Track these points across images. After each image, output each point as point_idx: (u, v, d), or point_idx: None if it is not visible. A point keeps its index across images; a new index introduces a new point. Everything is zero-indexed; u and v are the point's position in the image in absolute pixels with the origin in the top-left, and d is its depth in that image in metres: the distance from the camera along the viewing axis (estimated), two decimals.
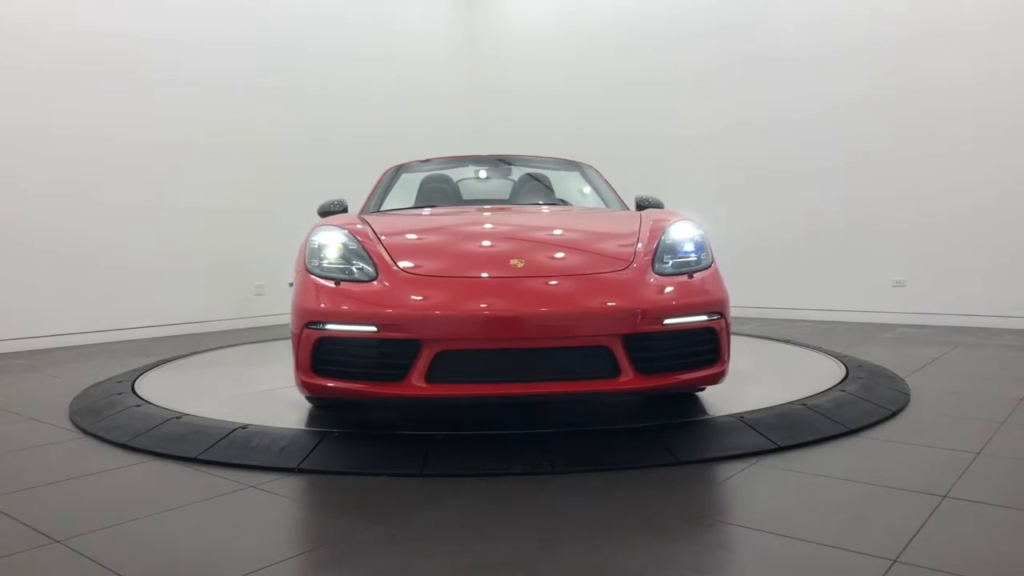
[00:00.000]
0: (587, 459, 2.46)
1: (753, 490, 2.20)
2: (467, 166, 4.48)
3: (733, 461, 2.45)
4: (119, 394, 3.45)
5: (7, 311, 5.44)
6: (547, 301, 2.57)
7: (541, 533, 1.90)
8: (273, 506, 2.15)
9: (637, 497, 2.15)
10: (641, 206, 3.96)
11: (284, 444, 2.65)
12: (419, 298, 2.58)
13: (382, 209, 4.06)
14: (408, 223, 3.41)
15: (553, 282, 2.65)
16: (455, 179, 4.34)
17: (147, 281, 6.16)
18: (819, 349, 4.54)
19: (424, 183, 4.35)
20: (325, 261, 2.84)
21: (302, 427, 2.87)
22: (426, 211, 3.83)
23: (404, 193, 4.32)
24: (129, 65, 6.07)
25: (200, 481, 2.37)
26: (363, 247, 2.84)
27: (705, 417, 2.82)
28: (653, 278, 2.71)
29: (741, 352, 4.66)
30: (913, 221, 6.25)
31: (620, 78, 7.87)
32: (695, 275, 2.79)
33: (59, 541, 1.88)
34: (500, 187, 4.33)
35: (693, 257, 2.87)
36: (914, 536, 1.82)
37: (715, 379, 2.80)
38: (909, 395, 3.40)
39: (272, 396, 3.43)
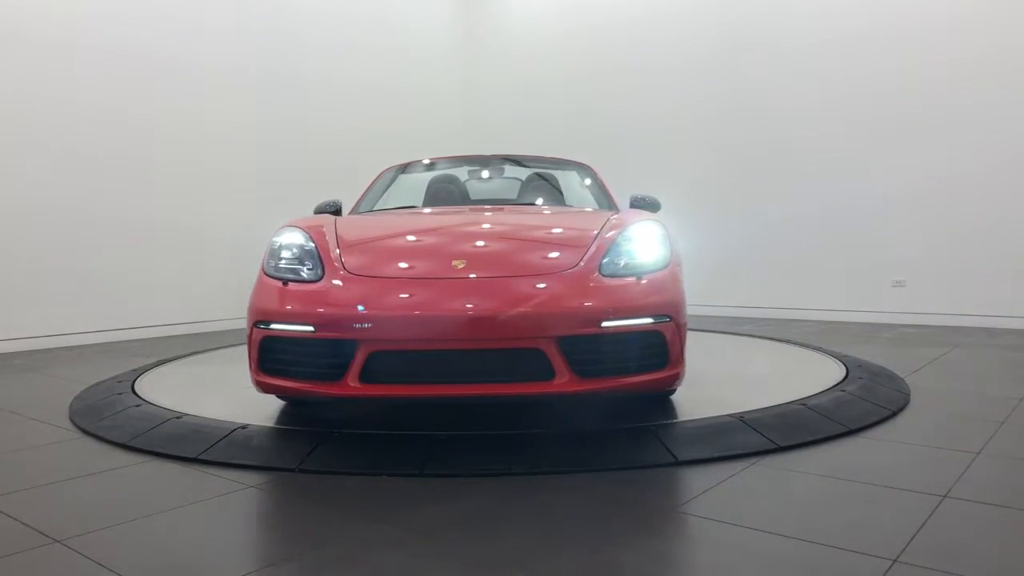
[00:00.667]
0: (587, 459, 2.46)
1: (753, 490, 2.20)
2: (462, 167, 4.46)
3: (733, 461, 2.44)
4: (119, 394, 3.45)
5: (7, 311, 5.44)
6: (478, 303, 2.53)
7: (541, 533, 1.90)
8: (273, 506, 2.15)
9: (637, 497, 2.15)
10: (635, 205, 3.94)
11: (284, 444, 2.65)
12: (356, 299, 2.61)
13: (374, 209, 4.11)
14: (373, 224, 3.45)
15: (490, 284, 2.62)
16: (451, 180, 4.36)
17: (147, 281, 6.16)
18: (819, 349, 4.54)
19: (423, 184, 4.41)
20: (281, 262, 2.90)
21: (302, 427, 2.87)
22: (400, 212, 3.88)
23: (399, 193, 4.36)
24: (127, 59, 6.06)
25: (200, 481, 2.37)
26: (317, 248, 2.89)
27: (705, 417, 2.81)
28: (596, 280, 2.65)
29: (741, 352, 4.68)
30: (913, 221, 6.25)
31: (620, 72, 7.86)
32: (645, 277, 2.72)
33: (59, 541, 1.88)
34: (494, 187, 4.33)
35: (649, 259, 2.81)
36: (914, 536, 1.82)
37: (666, 383, 2.72)
38: (909, 395, 3.40)
39: (272, 396, 3.43)
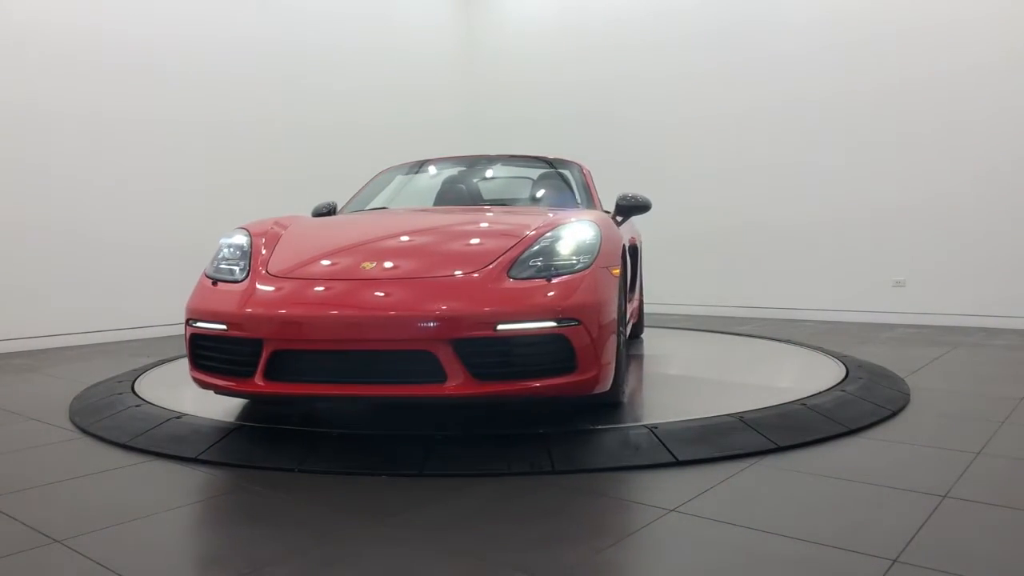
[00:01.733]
0: (587, 459, 2.46)
1: (753, 490, 2.20)
2: (451, 168, 4.45)
3: (733, 461, 2.45)
4: (119, 394, 3.45)
5: (7, 311, 5.44)
6: (372, 304, 2.58)
7: (541, 533, 1.90)
8: (273, 506, 2.15)
9: (637, 497, 2.15)
10: (621, 204, 3.89)
11: (284, 444, 2.65)
12: (262, 299, 2.71)
13: (365, 209, 4.19)
14: (318, 226, 3.51)
15: (389, 286, 2.66)
16: (433, 182, 4.38)
17: (147, 281, 6.15)
18: (819, 349, 4.54)
19: (413, 184, 4.46)
20: (220, 263, 3.04)
21: (302, 427, 2.87)
22: (362, 213, 3.94)
23: (387, 193, 4.40)
24: (130, 61, 6.06)
25: (200, 481, 2.37)
26: (252, 249, 3.02)
27: (705, 417, 2.81)
28: (499, 283, 2.61)
29: (742, 352, 4.68)
30: (913, 221, 6.25)
31: (618, 72, 7.86)
32: (557, 279, 2.64)
33: (59, 541, 1.88)
34: (481, 187, 4.31)
35: (569, 261, 2.73)
36: (914, 536, 1.82)
37: (579, 389, 2.61)
38: (909, 395, 3.40)
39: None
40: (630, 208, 3.87)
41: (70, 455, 2.72)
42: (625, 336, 3.29)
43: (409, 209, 4.04)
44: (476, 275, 2.65)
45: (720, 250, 7.19)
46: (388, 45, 8.08)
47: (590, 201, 3.97)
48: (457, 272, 2.69)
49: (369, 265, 2.78)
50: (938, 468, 2.37)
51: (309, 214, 4.12)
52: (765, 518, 1.96)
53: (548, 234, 2.86)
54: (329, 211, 4.15)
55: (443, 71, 8.71)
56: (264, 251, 3.01)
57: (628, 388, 3.16)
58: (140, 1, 6.13)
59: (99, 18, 5.91)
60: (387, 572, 1.69)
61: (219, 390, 2.80)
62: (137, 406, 3.20)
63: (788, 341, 5.00)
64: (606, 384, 2.72)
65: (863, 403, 3.10)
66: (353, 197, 4.36)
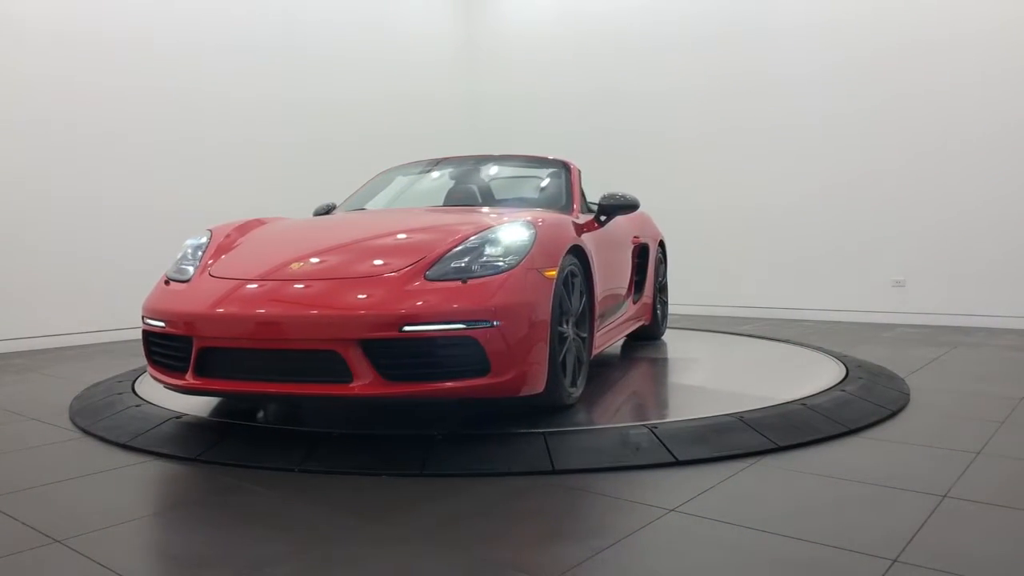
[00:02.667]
0: (587, 458, 2.46)
1: (753, 490, 2.20)
2: (440, 170, 4.45)
3: (733, 461, 2.45)
4: (119, 394, 3.45)
5: (7, 311, 5.44)
6: (284, 304, 2.63)
7: (541, 533, 1.90)
8: (273, 506, 2.15)
9: (637, 497, 2.15)
10: (603, 205, 3.81)
11: (284, 444, 2.65)
12: (194, 298, 2.82)
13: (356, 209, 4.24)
14: (285, 227, 3.55)
15: (306, 287, 2.70)
16: (425, 182, 4.38)
17: (147, 281, 6.11)
18: (819, 349, 4.54)
19: (406, 185, 4.49)
20: (180, 263, 3.16)
21: (302, 427, 2.87)
22: (322, 217, 4.00)
23: (381, 196, 4.44)
24: (128, 61, 6.06)
25: (200, 481, 2.37)
26: (206, 250, 3.14)
27: (705, 417, 2.81)
28: (411, 284, 2.61)
29: (741, 352, 4.68)
30: (913, 221, 6.25)
31: (619, 76, 7.85)
32: (473, 280, 2.61)
33: (59, 541, 1.88)
34: (465, 187, 4.30)
35: (500, 262, 2.69)
36: (914, 536, 1.82)
37: (494, 391, 2.58)
38: (909, 395, 3.40)
39: (271, 396, 3.42)
40: (613, 208, 3.80)
41: (70, 455, 2.72)
42: (584, 340, 3.16)
43: (375, 210, 4.09)
44: (392, 276, 2.67)
45: (720, 250, 7.19)
46: (387, 50, 8.07)
47: (570, 201, 3.87)
48: (375, 273, 2.71)
49: (297, 266, 2.85)
50: (938, 468, 2.37)
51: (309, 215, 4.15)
52: (765, 518, 1.96)
53: (478, 235, 2.83)
54: (328, 212, 4.21)
55: (443, 75, 8.71)
56: (217, 252, 3.13)
57: (579, 391, 3.05)
58: (137, 10, 6.13)
59: (96, 23, 5.91)
60: (387, 572, 1.69)
61: (165, 385, 2.89)
62: (137, 406, 3.20)
63: (788, 341, 5.00)
64: (536, 386, 2.70)
65: (863, 403, 3.10)
66: (348, 198, 4.40)
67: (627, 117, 7.78)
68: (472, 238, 2.81)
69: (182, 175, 6.40)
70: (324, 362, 2.53)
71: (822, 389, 3.26)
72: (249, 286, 2.78)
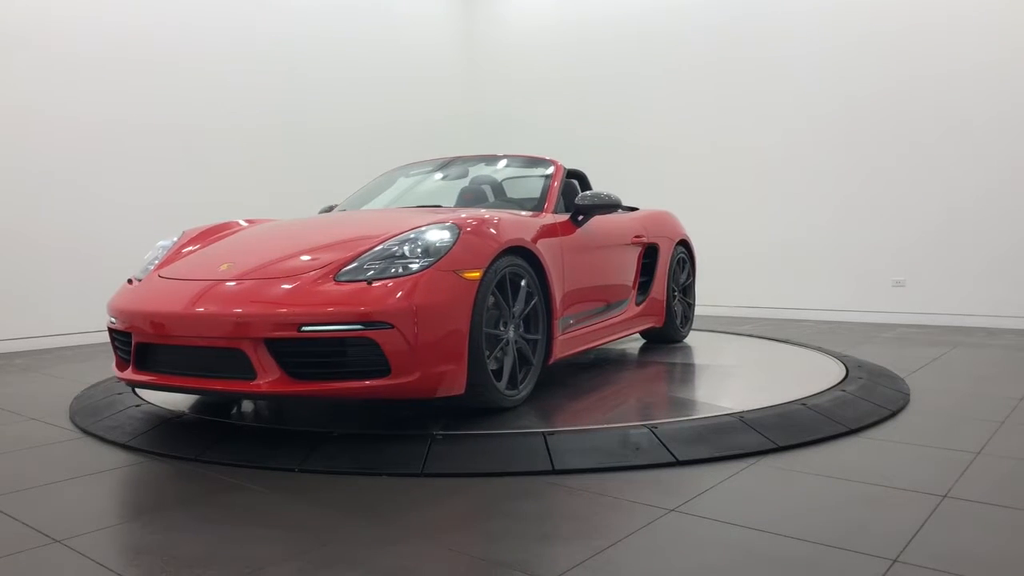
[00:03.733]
0: (587, 458, 2.46)
1: (753, 490, 2.20)
2: (431, 171, 4.45)
3: (733, 461, 2.45)
4: (119, 394, 3.45)
5: (7, 311, 5.44)
6: (202, 304, 2.73)
7: (541, 533, 1.90)
8: (273, 506, 2.15)
9: (637, 497, 2.15)
10: (579, 205, 3.72)
11: (284, 444, 2.65)
12: (136, 296, 3.00)
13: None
14: (246, 230, 3.64)
15: (224, 287, 2.78)
16: (414, 183, 4.38)
17: None
18: (819, 349, 4.54)
19: (381, 185, 4.52)
20: (147, 263, 3.32)
21: (302, 427, 2.87)
22: (282, 220, 4.01)
23: (377, 196, 4.45)
24: (129, 55, 6.05)
25: (200, 481, 2.37)
26: (168, 252, 3.31)
27: (705, 417, 2.81)
28: (320, 284, 2.64)
29: (741, 352, 4.68)
30: (913, 221, 6.25)
31: (619, 65, 7.86)
32: (379, 282, 2.62)
33: (59, 541, 1.88)
34: (452, 188, 4.29)
35: (413, 264, 2.69)
36: (914, 536, 1.82)
37: (398, 392, 2.59)
38: (909, 395, 3.40)
39: (270, 401, 3.42)
40: (589, 208, 3.71)
41: (70, 455, 2.72)
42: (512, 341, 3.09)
43: (340, 213, 4.10)
44: (305, 277, 2.70)
45: (719, 249, 7.18)
46: (387, 49, 8.07)
47: (543, 201, 3.80)
48: (290, 275, 2.75)
49: (226, 267, 2.95)
50: (938, 468, 2.37)
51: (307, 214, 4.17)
52: (765, 518, 1.96)
53: (398, 238, 2.83)
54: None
55: (443, 64, 8.71)
56: (178, 254, 3.28)
57: (522, 393, 3.02)
58: (137, 11, 6.12)
59: (95, 17, 5.90)
60: (387, 572, 1.69)
61: (116, 377, 3.04)
62: (137, 406, 3.20)
63: (788, 341, 5.00)
64: (454, 388, 2.70)
65: (863, 403, 3.10)
66: (344, 201, 4.45)
67: (627, 111, 7.77)
68: (392, 240, 2.82)
69: (184, 177, 6.40)
70: (232, 359, 2.61)
71: (822, 389, 3.26)
72: (180, 286, 2.91)
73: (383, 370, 2.56)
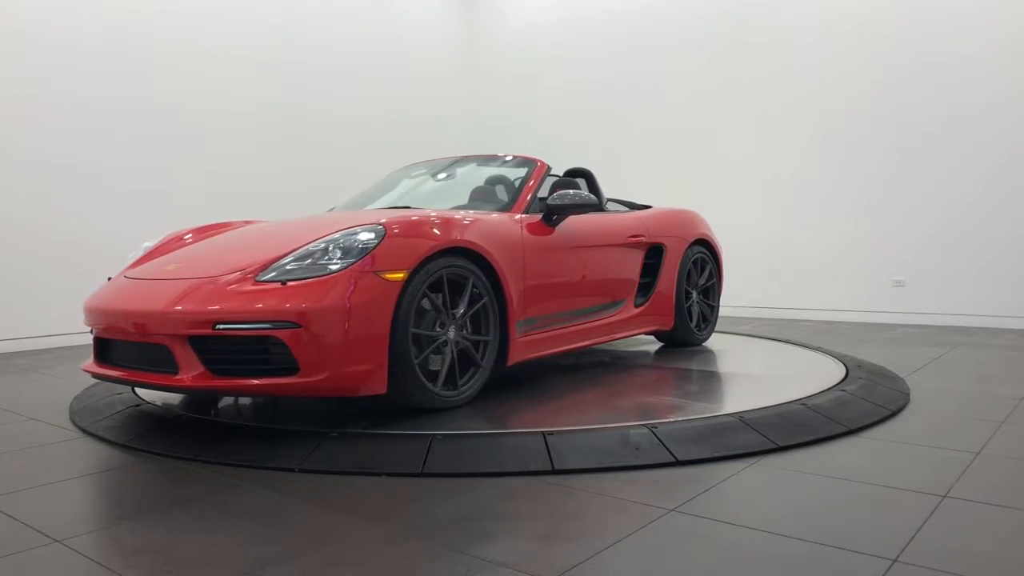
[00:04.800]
0: (587, 458, 2.46)
1: (753, 490, 2.20)
2: (424, 172, 4.45)
3: (733, 461, 2.45)
4: (119, 394, 3.45)
5: (9, 311, 5.44)
6: (139, 302, 2.89)
7: (541, 533, 1.90)
8: (273, 506, 2.15)
9: (637, 497, 2.15)
10: (550, 206, 3.63)
11: (284, 444, 2.65)
12: (98, 293, 3.18)
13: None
14: (225, 232, 3.71)
15: (161, 286, 2.92)
16: (412, 184, 4.37)
17: None
18: (819, 349, 4.54)
19: (372, 186, 4.53)
20: (127, 263, 3.45)
21: (302, 427, 2.87)
22: (251, 224, 4.02)
23: (376, 197, 4.46)
24: (129, 55, 6.06)
25: (200, 481, 2.37)
26: (145, 252, 3.47)
27: (705, 417, 2.81)
28: (240, 285, 2.72)
29: (741, 352, 4.68)
30: (913, 221, 6.25)
31: (619, 62, 7.86)
32: (292, 283, 2.66)
33: (59, 541, 1.88)
34: (441, 188, 4.31)
35: (332, 265, 2.71)
36: (914, 536, 1.82)
37: (310, 390, 2.63)
38: (909, 395, 3.40)
39: (271, 396, 3.43)
40: (561, 208, 3.62)
41: (70, 455, 2.73)
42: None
43: (313, 215, 4.06)
44: (229, 277, 2.78)
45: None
46: (388, 47, 8.08)
47: (512, 201, 3.74)
48: (218, 275, 2.83)
49: (172, 267, 3.11)
50: (938, 468, 2.37)
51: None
52: (765, 518, 1.96)
53: (325, 239, 2.85)
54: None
55: (443, 60, 8.72)
56: (153, 255, 3.42)
57: (463, 395, 3.01)
58: (138, 13, 6.12)
59: (95, 17, 5.90)
60: (387, 572, 1.69)
61: (83, 368, 3.16)
62: (137, 406, 3.20)
63: (788, 341, 5.00)
64: (375, 387, 2.72)
65: (863, 403, 3.10)
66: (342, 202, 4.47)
67: (627, 109, 7.78)
68: (319, 242, 2.85)
69: (185, 178, 6.40)
70: (158, 355, 2.73)
71: (822, 389, 3.26)
72: (134, 285, 3.06)
73: (291, 368, 2.62)
